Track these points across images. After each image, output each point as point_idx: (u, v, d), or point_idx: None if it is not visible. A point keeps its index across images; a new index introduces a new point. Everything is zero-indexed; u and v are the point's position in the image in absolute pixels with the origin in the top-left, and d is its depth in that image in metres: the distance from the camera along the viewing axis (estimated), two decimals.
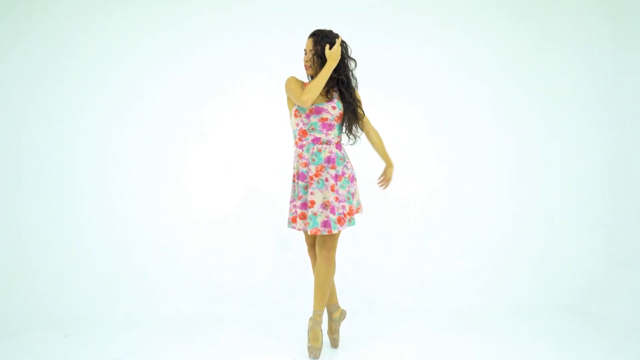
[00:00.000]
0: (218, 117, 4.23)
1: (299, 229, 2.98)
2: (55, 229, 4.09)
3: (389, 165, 3.18)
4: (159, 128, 4.20)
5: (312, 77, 3.03)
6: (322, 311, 3.01)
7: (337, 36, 2.93)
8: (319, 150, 2.93)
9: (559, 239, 4.33)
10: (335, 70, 2.91)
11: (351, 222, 2.98)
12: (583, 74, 4.31)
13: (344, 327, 3.39)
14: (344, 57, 2.94)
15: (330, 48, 2.87)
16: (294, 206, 3.00)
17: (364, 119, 3.11)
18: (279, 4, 4.21)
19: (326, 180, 2.92)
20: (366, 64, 3.46)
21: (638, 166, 4.04)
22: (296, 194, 3.00)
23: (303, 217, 2.94)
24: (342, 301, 3.60)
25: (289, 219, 3.04)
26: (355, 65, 3.00)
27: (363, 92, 3.34)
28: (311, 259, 3.15)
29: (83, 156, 4.13)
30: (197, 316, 3.71)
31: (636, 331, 3.37)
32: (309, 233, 2.93)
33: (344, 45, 2.95)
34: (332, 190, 2.91)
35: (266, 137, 4.23)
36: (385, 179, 3.19)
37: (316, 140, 2.94)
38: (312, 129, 2.95)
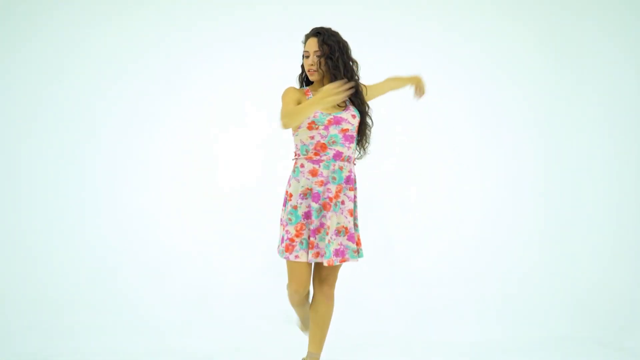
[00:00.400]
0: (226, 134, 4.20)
1: (305, 261, 2.47)
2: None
3: (418, 80, 2.80)
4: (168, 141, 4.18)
5: (309, 84, 2.69)
6: (320, 354, 2.62)
7: (337, 33, 2.55)
8: (340, 168, 2.53)
9: (591, 260, 4.03)
10: (342, 74, 2.53)
11: (359, 253, 2.58)
12: (582, 74, 4.27)
13: None
14: (349, 59, 2.58)
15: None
16: (287, 232, 2.50)
17: (374, 85, 2.77)
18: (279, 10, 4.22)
19: (343, 203, 2.52)
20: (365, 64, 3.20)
21: None
22: (296, 217, 2.50)
23: (312, 246, 2.45)
24: (342, 334, 3.20)
25: (282, 247, 2.50)
26: (358, 67, 2.65)
27: None
28: (299, 297, 2.61)
29: (85, 161, 4.07)
30: (184, 354, 3.20)
31: None
32: (324, 264, 2.44)
33: (346, 46, 2.58)
34: (351, 215, 2.54)
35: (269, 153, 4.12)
36: (418, 90, 2.80)
37: (338, 156, 2.52)
38: (333, 142, 2.52)
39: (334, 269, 2.56)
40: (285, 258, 2.48)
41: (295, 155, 2.59)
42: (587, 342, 3.42)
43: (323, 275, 2.55)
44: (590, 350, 3.28)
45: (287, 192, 2.54)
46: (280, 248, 2.50)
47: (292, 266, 2.50)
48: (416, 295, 3.81)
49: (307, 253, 2.45)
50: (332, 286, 2.58)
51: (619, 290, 3.82)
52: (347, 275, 3.21)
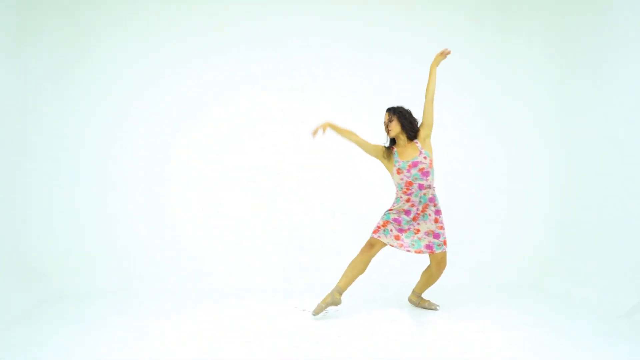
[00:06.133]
0: (219, 122, 4.51)
1: (392, 245, 3.59)
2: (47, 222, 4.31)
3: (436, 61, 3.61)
4: (161, 132, 4.45)
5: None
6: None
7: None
8: (424, 194, 3.59)
9: (524, 233, 4.71)
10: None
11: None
12: (549, 80, 4.65)
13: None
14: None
15: None
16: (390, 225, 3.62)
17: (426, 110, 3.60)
18: (277, 24, 4.54)
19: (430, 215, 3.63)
20: (357, 77, 4.02)
21: (579, 166, 4.32)
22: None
23: (398, 238, 3.62)
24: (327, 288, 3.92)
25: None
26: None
27: (352, 105, 4.24)
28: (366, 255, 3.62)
29: (79, 158, 4.35)
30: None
31: (578, 300, 3.92)
32: (412, 252, 3.61)
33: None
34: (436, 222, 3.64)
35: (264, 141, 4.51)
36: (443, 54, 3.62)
37: (421, 187, 3.57)
38: (415, 179, 3.56)
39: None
40: (378, 237, 3.58)
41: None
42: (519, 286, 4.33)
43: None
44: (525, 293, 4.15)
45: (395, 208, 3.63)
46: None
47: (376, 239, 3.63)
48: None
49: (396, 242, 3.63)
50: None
51: (540, 253, 4.61)
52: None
